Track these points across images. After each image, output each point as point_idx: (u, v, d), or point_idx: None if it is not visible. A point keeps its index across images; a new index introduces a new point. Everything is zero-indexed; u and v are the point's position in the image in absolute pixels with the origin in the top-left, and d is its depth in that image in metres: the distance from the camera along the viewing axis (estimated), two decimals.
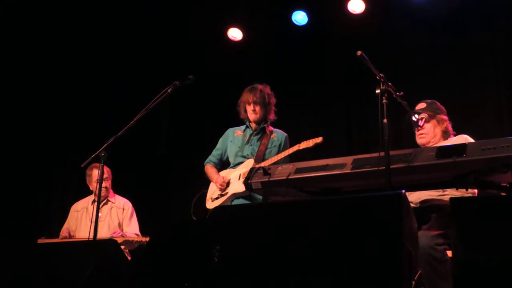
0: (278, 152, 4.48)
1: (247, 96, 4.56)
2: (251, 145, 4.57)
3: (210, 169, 4.73)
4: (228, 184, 4.51)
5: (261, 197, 3.85)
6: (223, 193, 4.52)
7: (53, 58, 6.56)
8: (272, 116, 4.63)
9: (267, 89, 4.60)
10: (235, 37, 6.61)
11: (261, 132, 4.61)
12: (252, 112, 4.56)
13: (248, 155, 4.55)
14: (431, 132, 3.84)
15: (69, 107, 6.72)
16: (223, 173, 4.65)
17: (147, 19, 6.57)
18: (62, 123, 6.68)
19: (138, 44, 6.73)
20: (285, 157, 4.35)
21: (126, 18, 6.49)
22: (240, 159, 4.57)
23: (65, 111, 6.70)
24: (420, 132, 3.87)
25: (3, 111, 6.33)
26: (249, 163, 4.42)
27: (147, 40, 6.73)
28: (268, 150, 4.53)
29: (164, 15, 6.58)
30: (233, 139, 4.69)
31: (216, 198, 4.56)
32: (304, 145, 4.21)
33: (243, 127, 4.72)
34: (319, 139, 4.13)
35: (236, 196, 4.45)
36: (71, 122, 6.70)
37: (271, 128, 4.66)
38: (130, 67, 6.77)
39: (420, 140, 3.88)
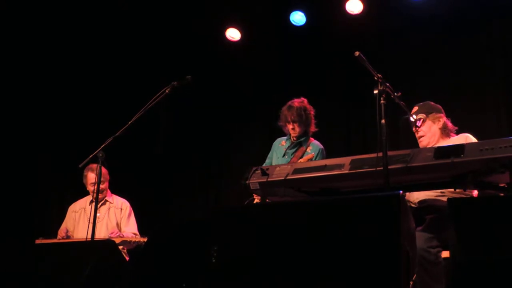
0: None
1: (285, 114, 4.76)
2: (286, 157, 4.75)
3: None
4: None
5: None
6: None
7: (52, 59, 6.55)
8: (312, 129, 4.83)
9: (304, 104, 4.78)
10: (233, 37, 6.61)
11: (297, 145, 4.78)
12: (292, 130, 4.77)
13: None
14: (428, 132, 3.84)
15: (68, 107, 6.71)
16: None
17: (144, 20, 6.56)
18: (61, 123, 6.68)
19: (135, 44, 6.72)
20: None
21: (123, 19, 6.48)
22: None
23: (64, 111, 6.70)
24: (419, 135, 3.87)
25: (2, 112, 6.32)
26: None
27: (144, 40, 6.72)
28: None
29: (162, 15, 6.57)
30: (277, 149, 4.91)
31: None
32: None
33: (287, 137, 4.91)
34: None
35: None
36: (70, 122, 6.70)
37: (312, 139, 4.84)
38: (127, 67, 6.76)
39: (420, 144, 3.87)
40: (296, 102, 4.78)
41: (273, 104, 6.68)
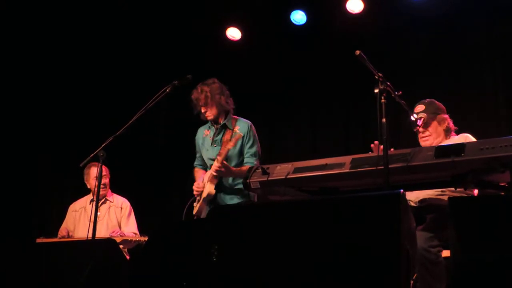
0: (242, 144, 4.46)
1: (195, 99, 4.50)
2: (216, 146, 4.52)
3: (195, 173, 4.77)
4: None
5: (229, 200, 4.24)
6: (199, 197, 4.51)
7: (52, 59, 6.54)
8: (230, 106, 4.55)
9: (212, 86, 4.49)
10: (233, 37, 6.61)
11: (223, 129, 4.54)
12: (205, 114, 4.52)
13: (214, 158, 4.44)
14: (434, 133, 3.82)
15: (68, 107, 6.70)
16: (205, 176, 4.59)
17: (144, 20, 6.56)
18: (61, 123, 6.67)
19: (135, 44, 6.71)
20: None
21: (123, 19, 6.48)
22: (211, 162, 4.50)
23: (64, 111, 6.69)
24: (424, 135, 3.84)
25: (2, 112, 6.32)
26: (214, 166, 4.37)
27: (145, 40, 6.72)
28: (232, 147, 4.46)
29: (163, 15, 6.57)
30: (203, 141, 4.65)
31: (198, 202, 4.54)
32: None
33: (208, 125, 4.66)
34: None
35: (205, 200, 4.44)
36: (70, 122, 6.69)
37: (235, 118, 4.59)
38: (128, 67, 6.76)
39: (424, 143, 3.84)
40: (200, 85, 4.50)
41: (273, 103, 6.72)
